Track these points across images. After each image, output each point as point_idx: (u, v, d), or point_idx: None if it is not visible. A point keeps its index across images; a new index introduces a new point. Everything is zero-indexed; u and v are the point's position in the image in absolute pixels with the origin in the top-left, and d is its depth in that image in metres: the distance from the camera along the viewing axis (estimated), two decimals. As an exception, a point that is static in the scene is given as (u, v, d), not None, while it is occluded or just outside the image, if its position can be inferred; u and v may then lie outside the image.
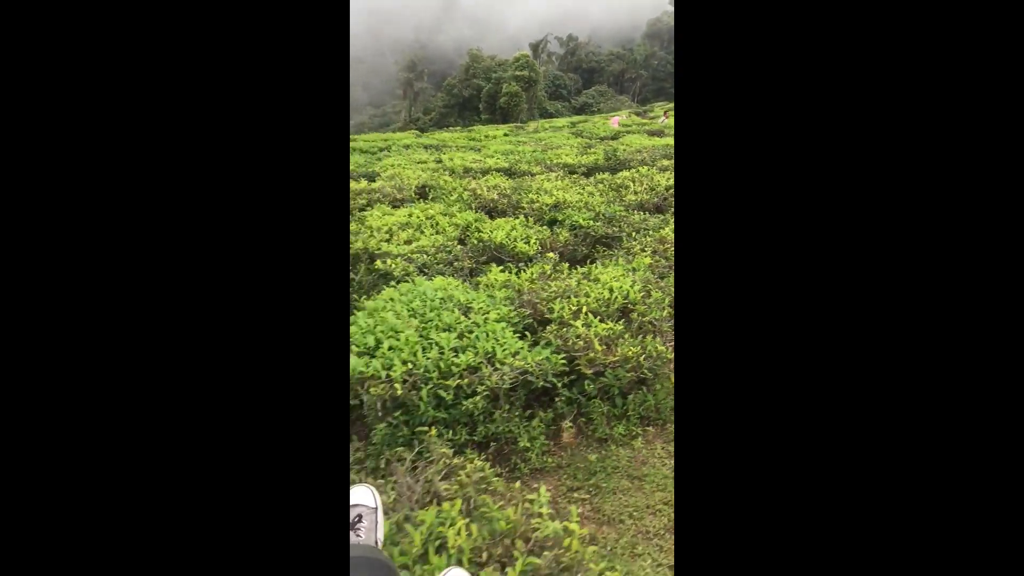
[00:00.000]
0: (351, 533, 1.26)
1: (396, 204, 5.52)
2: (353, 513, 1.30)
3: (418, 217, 4.72)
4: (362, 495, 1.36)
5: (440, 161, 8.14)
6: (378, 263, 3.76)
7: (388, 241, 4.17)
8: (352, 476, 1.92)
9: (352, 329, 2.66)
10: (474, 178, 6.43)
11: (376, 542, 1.28)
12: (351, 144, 11.88)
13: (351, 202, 5.57)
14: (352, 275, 3.65)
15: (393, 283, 3.44)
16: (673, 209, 5.24)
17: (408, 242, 4.14)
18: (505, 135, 13.49)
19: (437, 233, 4.34)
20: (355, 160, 8.78)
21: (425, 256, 3.84)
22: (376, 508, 1.34)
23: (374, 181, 6.45)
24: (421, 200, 5.74)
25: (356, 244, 4.18)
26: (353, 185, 6.20)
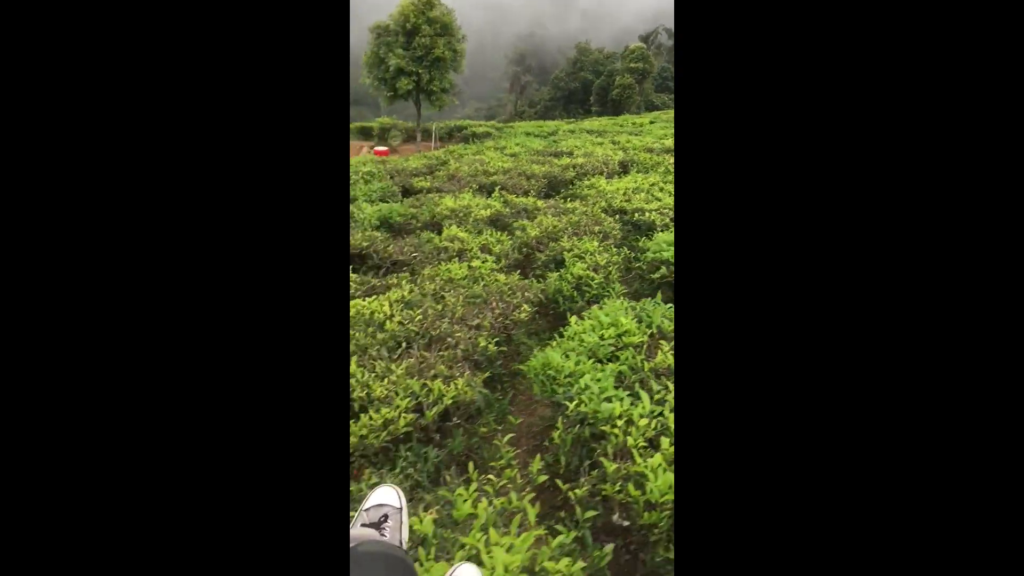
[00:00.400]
0: (376, 532, 1.25)
1: (609, 176, 6.31)
2: (379, 513, 1.30)
3: (641, 184, 5.46)
4: (388, 495, 1.35)
5: (616, 142, 8.85)
6: (636, 215, 4.56)
7: (628, 201, 4.95)
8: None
9: (667, 255, 3.45)
10: (668, 155, 7.07)
11: (400, 542, 1.28)
12: (524, 128, 12.95)
13: (561, 173, 6.46)
14: (613, 224, 4.45)
15: (657, 230, 4.20)
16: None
17: (648, 201, 4.89)
18: (651, 123, 13.94)
19: (669, 196, 5.05)
20: (538, 143, 9.77)
21: (672, 212, 4.57)
22: (401, 508, 1.33)
23: (572, 156, 7.31)
24: (624, 173, 6.50)
25: (600, 203, 5.01)
26: (555, 160, 7.11)
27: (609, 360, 2.31)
